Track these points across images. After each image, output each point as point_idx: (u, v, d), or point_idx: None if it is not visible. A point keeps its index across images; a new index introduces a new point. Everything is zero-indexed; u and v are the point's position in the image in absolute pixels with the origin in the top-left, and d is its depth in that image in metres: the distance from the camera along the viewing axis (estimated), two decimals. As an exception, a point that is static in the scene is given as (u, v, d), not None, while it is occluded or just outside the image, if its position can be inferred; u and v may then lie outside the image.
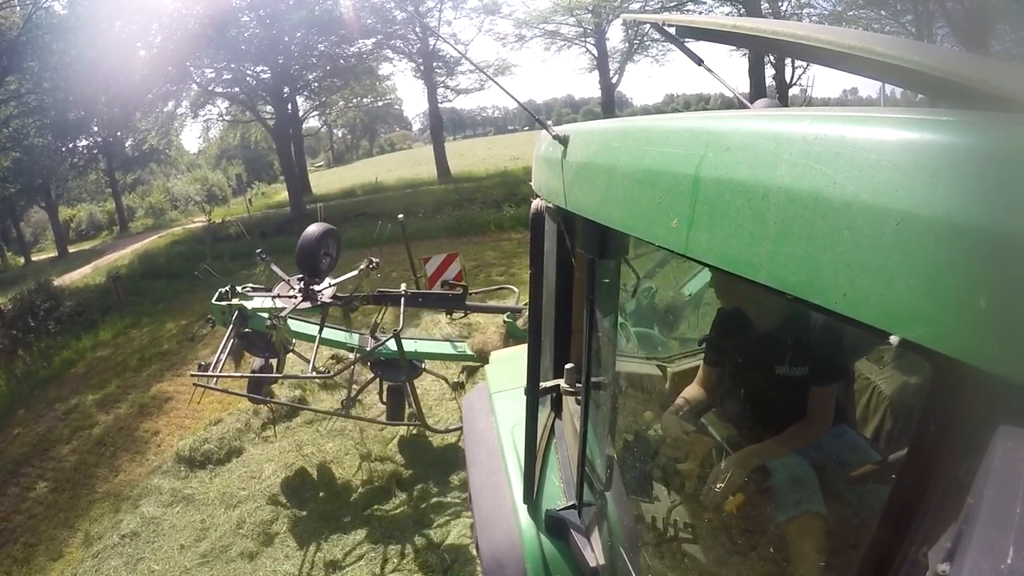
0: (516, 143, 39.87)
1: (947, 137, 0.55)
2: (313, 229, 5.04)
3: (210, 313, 5.11)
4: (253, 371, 5.06)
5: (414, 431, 5.28)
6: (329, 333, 5.17)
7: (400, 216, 6.39)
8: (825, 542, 1.62)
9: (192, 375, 4.74)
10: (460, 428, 4.19)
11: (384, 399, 5.20)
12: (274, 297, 5.11)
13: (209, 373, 4.54)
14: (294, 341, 5.27)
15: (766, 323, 1.94)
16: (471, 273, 7.07)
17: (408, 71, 28.15)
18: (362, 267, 5.29)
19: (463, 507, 4.36)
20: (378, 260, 5.38)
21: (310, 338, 4.98)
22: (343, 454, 5.43)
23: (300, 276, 5.16)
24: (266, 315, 4.73)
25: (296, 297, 5.01)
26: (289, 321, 4.87)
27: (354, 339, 5.30)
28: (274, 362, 5.21)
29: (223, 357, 4.73)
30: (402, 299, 5.10)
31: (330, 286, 5.19)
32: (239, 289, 5.14)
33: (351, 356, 5.16)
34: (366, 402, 5.91)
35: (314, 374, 4.80)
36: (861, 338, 2.03)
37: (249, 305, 4.95)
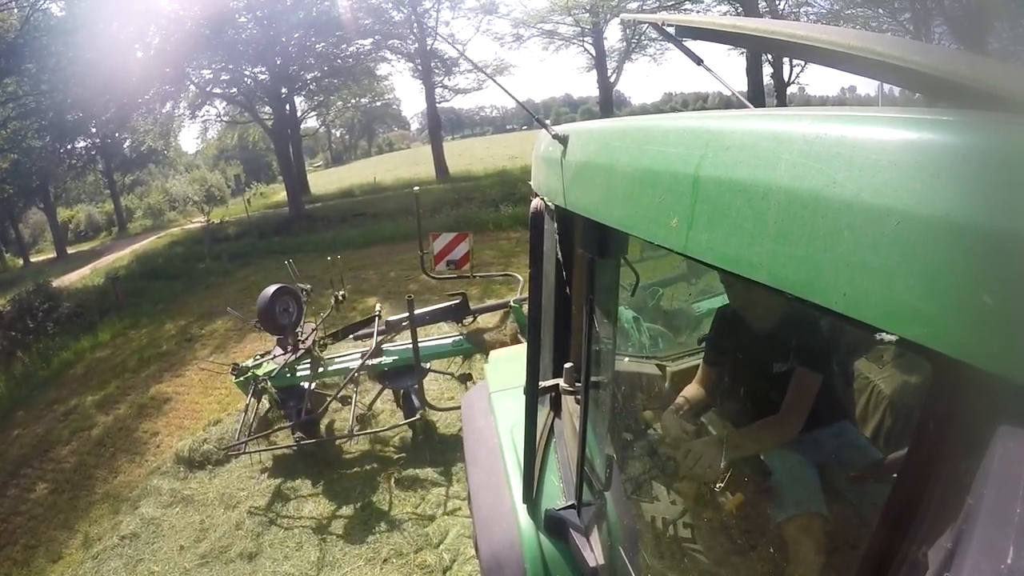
0: (514, 142, 39.84)
1: (947, 137, 0.54)
2: (266, 292, 5.58)
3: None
4: (290, 421, 5.50)
5: (420, 435, 5.30)
6: (325, 367, 5.67)
7: (416, 188, 6.65)
8: (825, 542, 1.62)
9: (225, 448, 5.44)
10: (459, 408, 4.25)
11: (401, 404, 5.63)
12: (271, 359, 5.68)
13: (237, 441, 5.20)
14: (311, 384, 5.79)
15: (769, 320, 1.94)
16: (470, 272, 7.14)
17: (406, 71, 28.26)
18: (332, 304, 5.99)
19: (462, 506, 4.36)
20: (344, 293, 6.04)
21: (321, 376, 5.59)
22: (342, 453, 5.43)
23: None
24: (288, 372, 5.42)
25: (288, 353, 5.60)
26: (299, 370, 5.50)
27: (356, 358, 5.63)
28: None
29: (252, 427, 5.34)
30: (375, 324, 5.57)
31: (313, 331, 5.77)
32: (244, 364, 5.75)
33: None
34: (380, 417, 5.93)
35: (306, 416, 5.33)
36: (861, 338, 2.03)
37: (260, 372, 5.51)
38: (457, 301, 6.04)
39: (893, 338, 0.57)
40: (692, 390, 2.22)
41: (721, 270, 1.95)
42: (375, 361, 5.40)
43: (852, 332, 2.08)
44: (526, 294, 5.83)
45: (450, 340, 5.72)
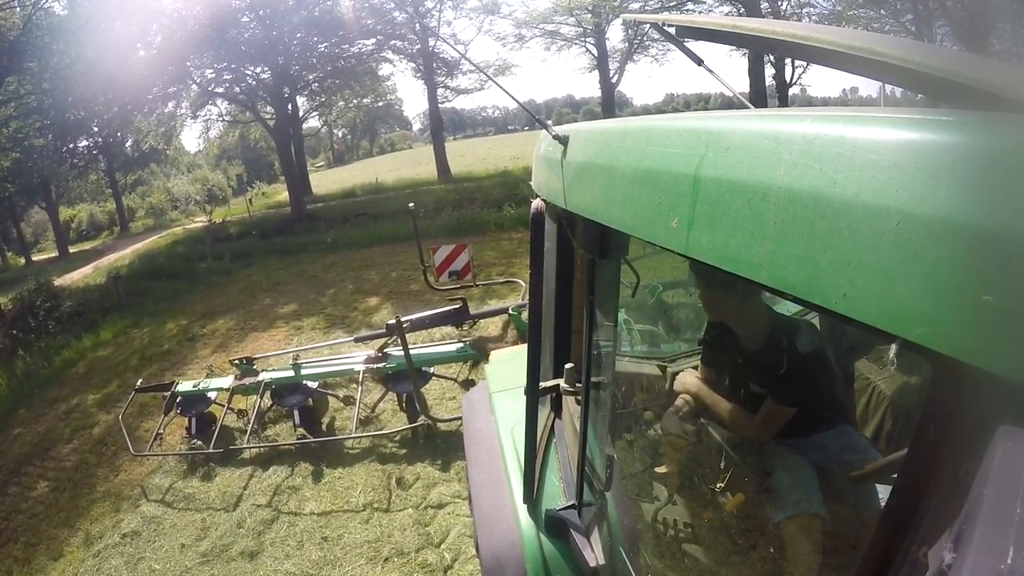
0: (516, 143, 39.91)
1: (947, 137, 0.54)
2: None
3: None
4: (296, 421, 5.70)
5: (421, 435, 5.31)
6: (329, 367, 5.97)
7: (411, 205, 6.71)
8: (823, 542, 1.62)
9: (232, 447, 5.63)
10: (460, 418, 4.28)
11: (404, 408, 5.68)
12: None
13: (244, 445, 5.57)
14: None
15: (746, 342, 1.95)
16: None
17: (408, 71, 28.21)
18: None
19: (463, 506, 4.36)
20: None
21: (317, 376, 5.90)
22: (343, 453, 5.43)
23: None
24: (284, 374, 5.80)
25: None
26: (303, 369, 5.82)
27: (359, 362, 5.81)
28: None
29: (254, 425, 5.71)
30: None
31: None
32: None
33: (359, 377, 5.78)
34: (382, 418, 5.96)
35: (299, 426, 5.58)
36: (861, 338, 2.03)
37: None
38: (457, 306, 6.11)
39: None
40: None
41: (702, 293, 1.97)
42: (379, 365, 5.57)
43: (850, 337, 2.09)
44: (525, 300, 5.89)
45: (454, 347, 5.77)
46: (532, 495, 2.08)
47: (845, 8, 21.33)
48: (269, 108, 23.92)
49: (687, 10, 22.01)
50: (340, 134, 66.04)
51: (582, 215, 1.40)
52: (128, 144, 30.89)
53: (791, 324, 1.91)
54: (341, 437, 5.55)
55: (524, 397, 1.81)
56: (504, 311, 6.46)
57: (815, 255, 0.64)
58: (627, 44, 27.37)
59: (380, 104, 37.48)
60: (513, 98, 1.72)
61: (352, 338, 6.75)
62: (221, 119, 27.49)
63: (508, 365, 3.27)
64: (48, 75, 20.10)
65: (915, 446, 0.66)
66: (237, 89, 23.27)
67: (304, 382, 5.81)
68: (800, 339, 1.82)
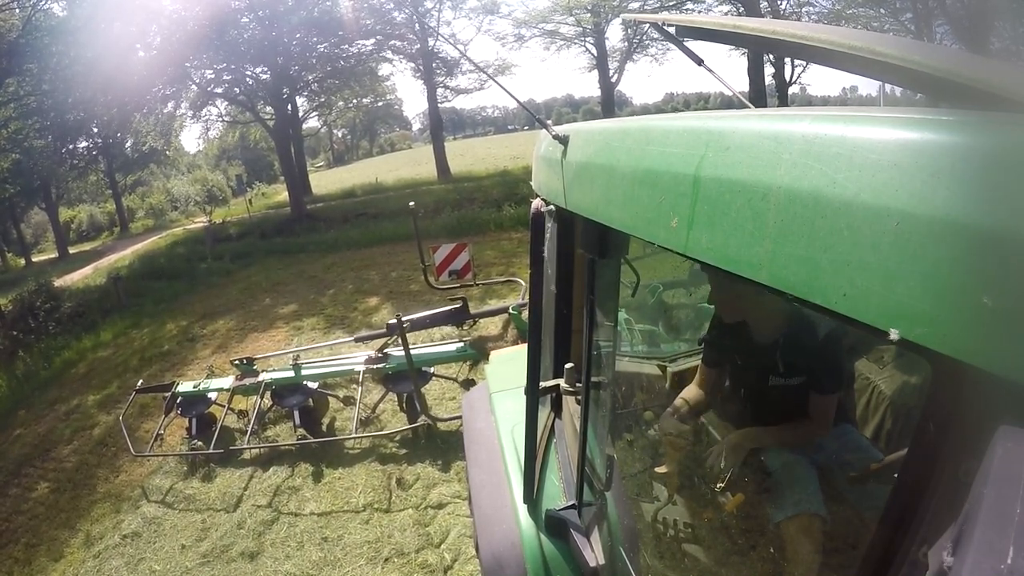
0: (516, 143, 39.95)
1: (947, 137, 0.54)
2: None
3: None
4: (296, 421, 5.69)
5: (422, 435, 5.31)
6: (329, 367, 5.99)
7: (411, 203, 6.73)
8: (823, 542, 1.62)
9: (233, 448, 5.63)
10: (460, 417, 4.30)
11: (404, 408, 5.67)
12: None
13: (244, 446, 5.56)
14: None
15: (765, 335, 1.94)
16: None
17: (408, 71, 28.18)
18: None
19: (463, 506, 4.36)
20: None
21: (317, 376, 5.93)
22: (343, 453, 5.44)
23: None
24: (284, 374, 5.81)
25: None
26: (304, 369, 5.83)
27: (359, 362, 5.82)
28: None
29: (255, 426, 5.70)
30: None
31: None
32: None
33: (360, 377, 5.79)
34: (382, 418, 5.96)
35: (299, 426, 5.59)
36: (861, 338, 2.03)
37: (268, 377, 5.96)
38: (458, 305, 6.12)
39: (894, 339, 0.57)
40: (691, 392, 2.22)
41: (712, 290, 1.96)
42: (379, 365, 5.59)
43: (853, 337, 2.09)
44: (526, 300, 5.89)
45: (454, 347, 5.77)
46: (532, 495, 2.08)
47: (845, 7, 21.32)
48: (269, 108, 23.90)
49: (687, 10, 22.00)
50: (340, 134, 66.10)
51: (582, 215, 1.40)
52: (128, 145, 30.90)
53: (805, 313, 1.89)
54: (341, 437, 5.55)
55: (524, 397, 1.81)
56: (504, 310, 6.47)
57: (815, 255, 0.64)
58: (627, 44, 27.38)
59: (380, 104, 37.52)
60: (513, 97, 1.72)
61: (352, 338, 6.75)
62: (221, 119, 27.50)
63: (508, 365, 3.27)
64: (48, 76, 20.10)
65: (915, 446, 0.66)
66: (237, 90, 23.25)
67: (304, 382, 5.82)
68: (820, 326, 1.82)
